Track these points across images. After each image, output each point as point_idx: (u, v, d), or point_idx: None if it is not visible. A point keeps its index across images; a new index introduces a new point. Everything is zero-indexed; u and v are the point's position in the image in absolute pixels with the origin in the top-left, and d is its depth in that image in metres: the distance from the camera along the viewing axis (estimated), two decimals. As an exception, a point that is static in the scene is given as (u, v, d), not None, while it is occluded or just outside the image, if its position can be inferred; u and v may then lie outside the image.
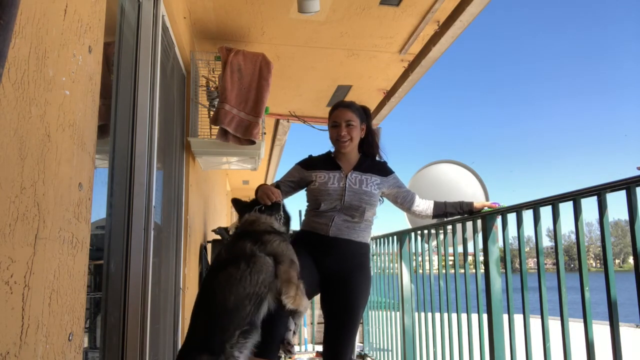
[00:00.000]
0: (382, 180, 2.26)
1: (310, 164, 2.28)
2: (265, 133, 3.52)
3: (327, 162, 2.27)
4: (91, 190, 1.26)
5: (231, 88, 3.07)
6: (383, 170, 2.30)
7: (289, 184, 2.27)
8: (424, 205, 2.36)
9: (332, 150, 2.33)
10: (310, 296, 2.20)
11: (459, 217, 2.50)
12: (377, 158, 2.36)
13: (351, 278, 2.12)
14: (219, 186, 6.40)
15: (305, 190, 2.29)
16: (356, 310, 2.10)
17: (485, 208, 2.35)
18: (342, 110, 2.25)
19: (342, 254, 2.15)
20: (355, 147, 2.29)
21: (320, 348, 4.19)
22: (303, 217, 2.31)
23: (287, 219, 2.06)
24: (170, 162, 2.95)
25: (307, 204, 2.29)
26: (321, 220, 2.16)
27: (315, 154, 2.38)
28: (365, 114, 2.32)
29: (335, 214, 2.15)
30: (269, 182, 8.82)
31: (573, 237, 7.45)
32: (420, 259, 3.26)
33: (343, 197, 2.15)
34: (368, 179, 2.21)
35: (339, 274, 2.12)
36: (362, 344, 4.51)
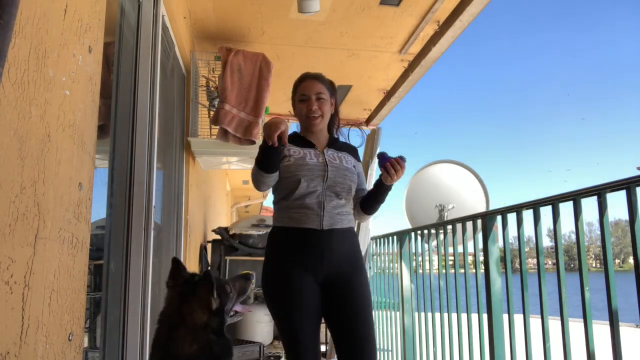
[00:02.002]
0: (355, 162, 1.99)
1: None
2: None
3: (296, 139, 1.93)
4: (91, 190, 1.26)
5: (231, 88, 3.07)
6: (355, 154, 2.05)
7: None
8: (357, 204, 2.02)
9: (298, 131, 2.02)
10: (319, 320, 1.83)
11: (458, 217, 2.50)
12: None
13: (353, 282, 1.81)
14: (219, 186, 6.40)
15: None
16: (371, 317, 1.81)
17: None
18: (310, 82, 1.95)
19: (340, 251, 1.81)
20: (326, 126, 2.00)
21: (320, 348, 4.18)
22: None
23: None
24: (170, 162, 2.95)
25: (275, 192, 1.91)
26: (308, 209, 1.78)
27: None
28: (333, 88, 2.04)
29: (323, 198, 1.80)
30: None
31: (573, 237, 7.45)
32: (420, 259, 3.26)
33: (326, 173, 1.82)
34: (344, 157, 1.93)
35: (339, 280, 1.79)
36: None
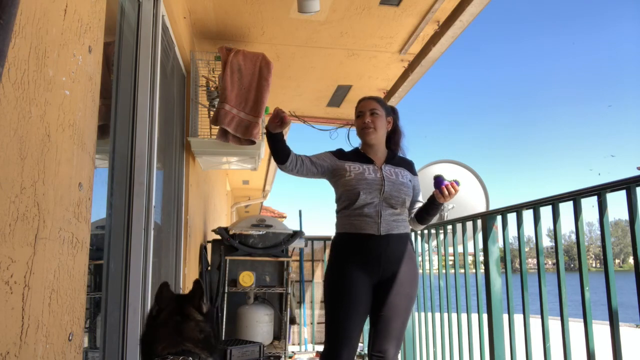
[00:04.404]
0: (411, 177, 2.20)
1: (342, 154, 2.20)
2: (265, 133, 3.52)
3: (357, 155, 2.20)
4: (91, 190, 1.26)
5: (231, 88, 3.07)
6: (412, 168, 2.25)
7: (317, 163, 2.12)
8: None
9: (360, 147, 2.26)
10: (365, 317, 2.09)
11: (458, 217, 2.50)
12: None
13: (402, 284, 2.03)
14: (219, 186, 6.40)
15: (335, 184, 2.15)
16: (407, 314, 2.05)
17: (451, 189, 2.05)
18: (367, 101, 2.22)
19: (396, 254, 2.04)
20: (383, 141, 2.22)
21: (320, 348, 4.19)
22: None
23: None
24: (170, 162, 2.95)
25: (337, 202, 2.16)
26: (367, 217, 2.03)
27: (319, 150, 2.28)
28: (392, 111, 2.28)
29: (380, 208, 2.04)
30: (268, 184, 8.81)
31: (573, 237, 7.45)
32: (420, 259, 3.26)
33: (383, 187, 2.05)
34: (401, 172, 2.15)
35: (391, 280, 2.03)
36: (362, 344, 4.51)
